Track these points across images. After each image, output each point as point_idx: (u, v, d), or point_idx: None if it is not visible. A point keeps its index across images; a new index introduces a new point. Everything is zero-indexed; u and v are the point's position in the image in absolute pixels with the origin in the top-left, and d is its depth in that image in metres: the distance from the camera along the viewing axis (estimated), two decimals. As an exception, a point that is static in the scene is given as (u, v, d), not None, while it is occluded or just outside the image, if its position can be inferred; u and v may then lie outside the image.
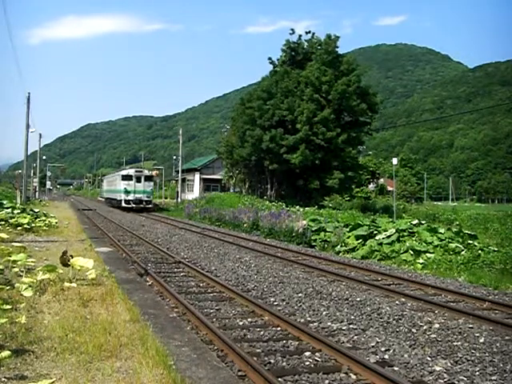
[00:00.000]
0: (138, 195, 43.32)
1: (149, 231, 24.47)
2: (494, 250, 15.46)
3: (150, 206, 44.51)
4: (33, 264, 10.00)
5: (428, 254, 15.62)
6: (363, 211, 35.74)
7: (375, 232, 18.59)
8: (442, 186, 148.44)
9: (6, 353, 4.86)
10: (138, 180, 43.75)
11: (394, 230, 17.70)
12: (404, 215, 30.72)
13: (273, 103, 41.22)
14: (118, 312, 7.26)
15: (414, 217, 26.51)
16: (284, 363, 6.19)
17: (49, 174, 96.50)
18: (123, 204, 43.38)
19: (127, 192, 43.26)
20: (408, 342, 7.16)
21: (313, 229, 21.69)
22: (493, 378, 5.86)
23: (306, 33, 45.97)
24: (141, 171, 45.60)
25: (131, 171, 45.24)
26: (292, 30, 46.24)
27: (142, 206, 43.38)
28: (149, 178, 45.11)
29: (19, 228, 19.84)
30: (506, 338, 7.51)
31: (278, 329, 7.70)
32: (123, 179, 43.92)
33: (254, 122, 41.86)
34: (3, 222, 20.05)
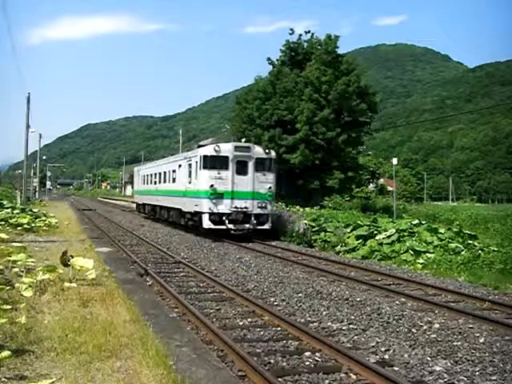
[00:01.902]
0: (240, 202, 20.60)
1: (149, 231, 24.46)
2: (494, 250, 15.45)
3: (267, 226, 21.23)
4: (33, 264, 10.00)
5: (428, 254, 15.62)
6: (363, 211, 35.71)
7: (375, 232, 18.58)
8: (441, 186, 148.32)
9: (6, 353, 4.86)
10: (242, 168, 20.99)
11: (394, 230, 17.70)
12: (404, 215, 30.70)
13: (271, 103, 41.25)
14: (118, 312, 7.26)
15: (414, 217, 26.50)
16: (284, 363, 6.19)
17: (49, 174, 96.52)
18: (205, 222, 20.48)
19: (217, 195, 20.38)
20: (408, 342, 7.16)
21: (313, 229, 21.69)
22: (493, 378, 5.86)
23: (306, 33, 45.94)
24: (247, 148, 21.54)
25: (226, 147, 21.15)
26: (292, 29, 46.11)
27: (250, 226, 20.68)
28: (263, 164, 21.56)
29: (19, 228, 19.85)
30: (506, 337, 7.51)
31: (278, 329, 7.70)
32: (206, 166, 20.88)
33: (253, 122, 41.91)
34: (3, 222, 20.07)
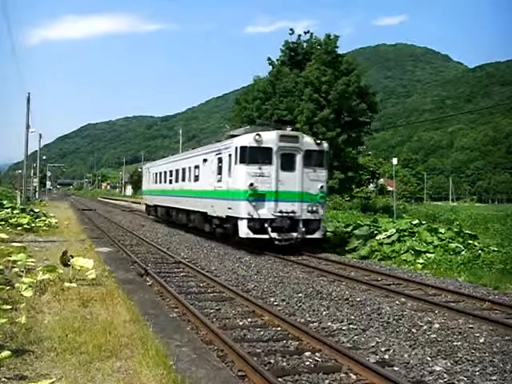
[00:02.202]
0: (285, 205, 16.79)
1: (149, 231, 24.46)
2: (494, 250, 15.46)
3: (318, 234, 17.39)
4: (33, 264, 10.01)
5: (428, 254, 15.62)
6: (363, 211, 35.75)
7: (375, 232, 18.59)
8: (442, 186, 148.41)
9: (6, 353, 4.87)
10: (287, 163, 17.17)
11: (394, 230, 17.71)
12: (404, 215, 30.72)
13: (271, 103, 41.28)
14: (118, 312, 7.26)
15: (414, 217, 26.51)
16: (284, 363, 6.19)
17: (49, 174, 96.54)
18: (243, 230, 16.59)
19: (257, 197, 16.63)
20: (408, 342, 7.16)
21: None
22: (493, 378, 5.86)
23: (305, 33, 45.98)
24: (295, 137, 17.64)
25: (269, 136, 17.14)
26: (291, 30, 46.16)
27: (297, 235, 16.78)
28: (314, 158, 17.62)
29: (19, 228, 19.87)
30: (506, 338, 7.51)
31: (278, 329, 7.70)
32: (244, 159, 16.94)
33: (253, 122, 41.91)
34: (3, 222, 20.08)
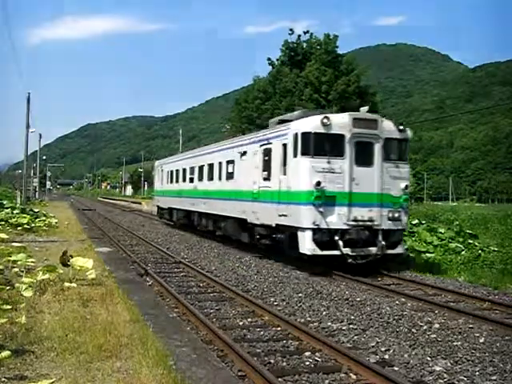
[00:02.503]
0: (361, 211, 12.78)
1: (149, 231, 24.46)
2: (494, 250, 15.47)
3: (400, 249, 13.44)
4: (33, 264, 10.02)
5: (428, 254, 15.63)
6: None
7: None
8: (442, 186, 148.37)
9: (6, 353, 4.87)
10: (363, 155, 13.06)
11: (394, 230, 17.69)
12: (404, 215, 30.65)
13: (271, 103, 41.30)
14: (118, 312, 7.26)
15: (414, 217, 26.49)
16: (284, 363, 6.19)
17: (49, 174, 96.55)
18: (307, 245, 12.35)
19: (325, 200, 12.45)
20: (408, 342, 7.16)
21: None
22: (493, 378, 5.86)
23: (305, 33, 45.95)
24: (373, 121, 13.28)
25: (340, 120, 12.93)
26: (291, 30, 46.10)
27: (377, 251, 12.70)
28: (396, 148, 13.70)
29: (19, 228, 19.87)
30: (506, 338, 7.51)
31: (278, 329, 7.70)
32: (308, 150, 12.71)
33: (253, 122, 41.93)
34: (3, 222, 20.09)
